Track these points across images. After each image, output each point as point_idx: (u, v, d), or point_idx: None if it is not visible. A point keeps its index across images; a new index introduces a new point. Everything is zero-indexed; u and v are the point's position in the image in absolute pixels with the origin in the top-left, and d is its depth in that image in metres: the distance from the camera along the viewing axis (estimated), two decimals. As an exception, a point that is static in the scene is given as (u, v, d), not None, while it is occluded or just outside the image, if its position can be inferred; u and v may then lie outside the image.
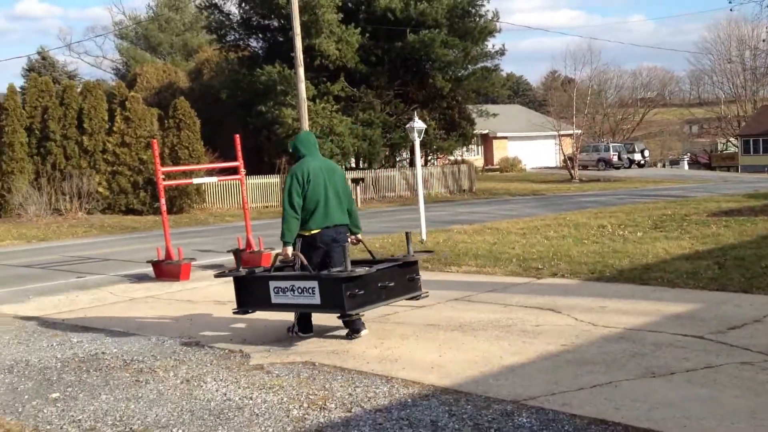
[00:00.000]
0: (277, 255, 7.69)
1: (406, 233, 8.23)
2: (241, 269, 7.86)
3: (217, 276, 8.35)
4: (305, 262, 7.35)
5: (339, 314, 7.17)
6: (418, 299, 7.86)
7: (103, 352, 7.79)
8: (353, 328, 7.64)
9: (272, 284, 7.38)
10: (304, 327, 7.87)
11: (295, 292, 7.22)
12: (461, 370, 6.35)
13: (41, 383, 6.80)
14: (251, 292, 7.69)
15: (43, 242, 20.57)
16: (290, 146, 7.96)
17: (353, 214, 7.98)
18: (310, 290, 7.12)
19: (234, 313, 7.97)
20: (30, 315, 10.13)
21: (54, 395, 6.39)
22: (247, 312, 7.89)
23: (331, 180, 7.73)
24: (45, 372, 7.17)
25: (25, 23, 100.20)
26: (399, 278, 7.53)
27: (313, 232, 7.59)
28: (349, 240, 7.96)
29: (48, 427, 5.60)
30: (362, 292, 7.02)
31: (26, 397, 6.40)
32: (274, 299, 7.39)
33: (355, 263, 7.41)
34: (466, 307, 8.93)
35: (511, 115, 57.66)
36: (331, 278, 6.96)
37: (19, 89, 29.76)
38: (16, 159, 27.09)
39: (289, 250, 7.48)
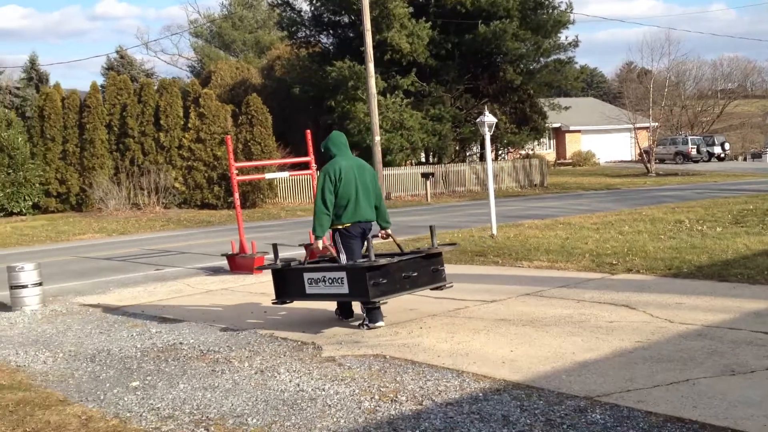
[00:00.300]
0: (310, 249, 7.85)
1: (431, 227, 8.44)
2: (278, 262, 8.27)
3: (257, 269, 8.77)
4: (335, 253, 7.92)
5: (363, 301, 7.59)
6: (442, 289, 8.14)
7: (180, 342, 7.99)
8: (371, 318, 7.88)
9: (306, 276, 7.87)
10: (346, 313, 8.39)
11: (327, 282, 7.71)
12: (533, 365, 6.30)
13: (122, 372, 7.02)
14: (288, 283, 8.18)
15: (123, 236, 21.19)
16: (322, 146, 8.41)
17: (381, 210, 8.31)
18: (340, 280, 7.59)
19: (273, 303, 8.44)
20: (111, 306, 10.47)
21: (134, 384, 6.59)
22: (285, 302, 8.37)
23: (361, 178, 8.09)
24: (125, 361, 7.40)
25: (105, 23, 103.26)
26: (423, 269, 7.89)
27: (346, 225, 8.04)
28: (379, 235, 8.31)
29: (128, 414, 5.79)
30: (385, 281, 7.43)
31: (108, 385, 6.62)
32: (308, 290, 7.90)
33: (381, 256, 7.84)
34: (538, 302, 8.85)
35: (585, 107, 56.71)
36: (357, 268, 7.41)
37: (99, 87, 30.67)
38: (97, 155, 27.97)
39: (320, 243, 7.96)
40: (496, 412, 5.29)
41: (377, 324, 7.87)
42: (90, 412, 5.87)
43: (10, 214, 26.74)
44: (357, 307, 8.31)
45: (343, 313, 8.40)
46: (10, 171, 26.34)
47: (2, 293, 11.62)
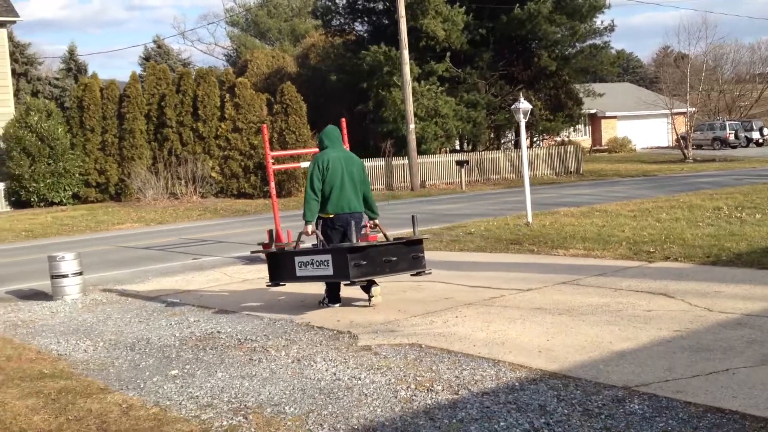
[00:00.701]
0: (300, 234, 8.64)
1: (412, 216, 8.93)
2: (273, 247, 8.96)
3: (252, 253, 9.64)
4: (322, 238, 8.47)
5: (345, 282, 8.19)
6: (421, 275, 8.63)
7: (218, 331, 8.09)
8: (330, 298, 8.78)
9: (297, 259, 8.41)
10: (333, 298, 8.85)
11: (314, 265, 8.24)
12: (570, 354, 6.27)
13: (161, 360, 7.13)
14: (280, 267, 8.75)
15: (161, 225, 21.45)
16: (317, 139, 8.90)
17: (369, 201, 8.91)
18: (325, 263, 8.11)
19: (267, 285, 9.00)
20: (150, 295, 10.61)
21: (173, 372, 6.69)
22: (278, 285, 8.94)
23: (348, 169, 8.63)
24: (164, 350, 7.51)
25: (143, 12, 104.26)
26: (403, 255, 8.41)
27: (330, 215, 8.55)
28: (367, 225, 8.89)
29: (168, 402, 5.88)
30: (366, 263, 7.95)
31: (147, 373, 6.73)
32: (299, 272, 8.43)
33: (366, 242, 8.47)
34: (574, 290, 8.80)
35: (621, 93, 55.98)
36: (340, 249, 7.99)
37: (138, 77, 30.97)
38: (136, 145, 28.28)
39: (309, 228, 8.49)
40: (533, 401, 5.28)
41: (334, 305, 8.72)
42: (130, 401, 5.97)
43: (51, 204, 27.18)
44: (352, 294, 8.33)
45: (332, 299, 8.84)
46: (51, 161, 26.73)
47: (44, 282, 11.84)
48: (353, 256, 7.87)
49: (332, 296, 8.85)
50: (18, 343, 8.24)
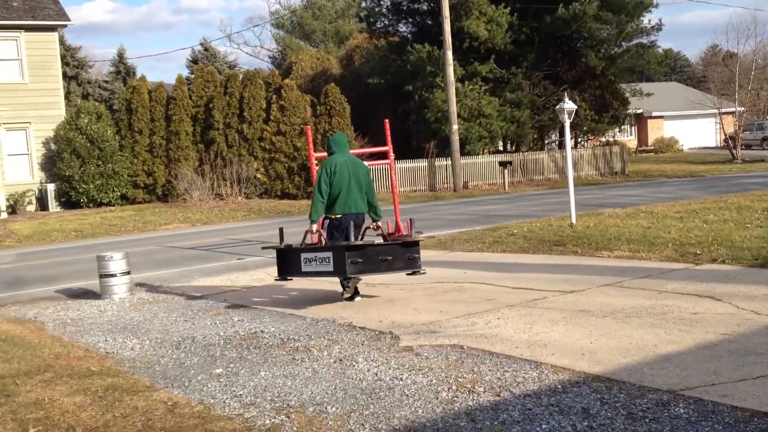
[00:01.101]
0: (307, 232, 9.31)
1: (410, 219, 9.66)
2: (282, 244, 9.52)
3: (263, 248, 10.59)
4: (325, 236, 9.16)
5: (343, 277, 8.73)
6: (416, 275, 9.24)
7: (261, 331, 8.17)
8: (354, 293, 9.22)
9: (303, 256, 9.04)
10: (280, 271, 9.53)
11: (318, 261, 8.86)
12: (613, 357, 6.21)
13: (205, 359, 7.23)
14: (288, 263, 9.39)
15: (206, 225, 21.72)
16: (327, 146, 9.61)
17: (373, 204, 9.41)
18: (327, 260, 8.74)
19: (276, 280, 9.76)
20: (195, 294, 10.77)
21: (217, 371, 6.77)
22: (286, 279, 9.65)
23: (354, 173, 9.16)
24: (209, 348, 7.61)
25: (190, 15, 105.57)
26: (399, 255, 9.00)
27: (337, 215, 9.09)
28: (371, 227, 9.44)
29: (212, 401, 5.96)
30: (362, 260, 8.53)
31: (192, 372, 6.82)
32: (304, 268, 9.05)
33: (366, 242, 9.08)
34: (618, 293, 8.70)
35: (668, 93, 55.08)
36: (339, 247, 8.59)
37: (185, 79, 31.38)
38: (182, 147, 28.68)
39: (314, 227, 9.16)
40: (576, 404, 5.24)
41: (355, 299, 9.24)
42: (175, 398, 6.06)
43: (100, 204, 27.69)
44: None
45: (280, 272, 9.54)
46: (100, 163, 27.23)
47: (92, 282, 12.08)
48: (351, 254, 8.44)
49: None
50: (67, 341, 8.43)
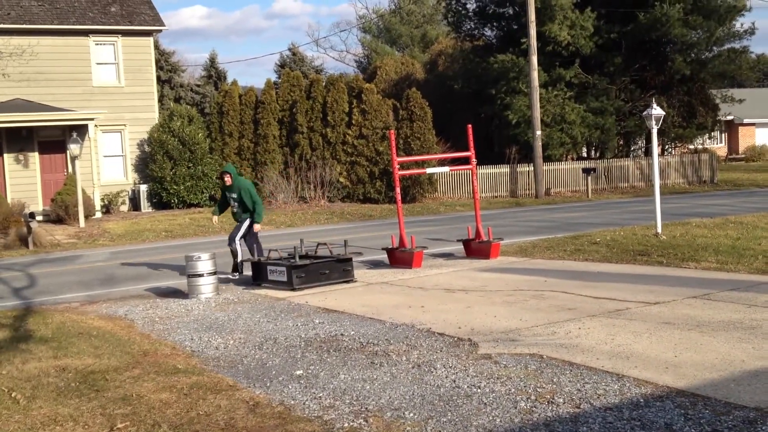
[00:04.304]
0: (271, 251, 12.46)
1: (344, 240, 12.51)
2: (257, 257, 12.55)
3: (244, 261, 12.87)
4: (282, 255, 12.20)
5: (291, 289, 11.22)
6: (349, 283, 11.68)
7: (341, 334, 8.28)
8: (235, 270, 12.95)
9: (269, 268, 11.85)
10: (235, 268, 13.01)
11: (277, 273, 11.62)
12: (698, 372, 6.07)
13: (287, 360, 7.37)
14: (259, 272, 12.09)
15: (290, 228, 22.09)
16: (232, 171, 13.12)
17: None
18: (282, 272, 11.50)
19: (252, 284, 12.05)
20: (279, 296, 10.98)
21: (298, 372, 6.90)
22: (260, 285, 11.89)
23: None
24: (290, 350, 7.76)
25: (281, 21, 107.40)
26: (335, 268, 11.77)
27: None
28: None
29: (292, 402, 6.08)
30: (304, 275, 11.39)
31: (273, 372, 6.97)
32: (270, 276, 11.79)
33: (310, 257, 12.06)
34: (705, 305, 8.48)
35: (760, 99, 53.11)
36: (288, 265, 11.38)
37: (273, 84, 31.94)
38: (269, 150, 29.23)
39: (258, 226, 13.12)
40: (659, 419, 5.15)
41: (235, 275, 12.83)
42: (257, 398, 6.21)
43: (189, 205, 28.42)
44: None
45: (234, 269, 13.05)
46: (190, 165, 27.97)
47: (180, 281, 12.46)
48: (296, 270, 11.32)
49: (235, 268, 13.04)
50: (155, 338, 8.72)
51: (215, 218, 14.00)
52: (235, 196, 12.95)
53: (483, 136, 31.18)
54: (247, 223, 13.01)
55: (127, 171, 28.64)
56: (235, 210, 13.13)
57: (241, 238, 13.00)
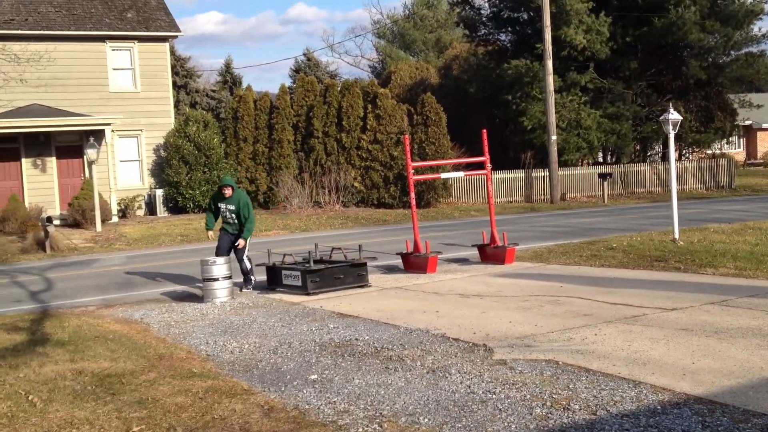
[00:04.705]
0: (284, 255, 12.36)
1: (359, 245, 12.49)
2: (271, 262, 12.18)
3: (256, 266, 12.54)
4: (296, 259, 12.20)
5: (305, 293, 11.26)
6: (363, 288, 11.68)
7: (356, 339, 8.27)
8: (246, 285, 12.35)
9: (283, 272, 11.86)
10: (269, 282, 12.27)
11: (291, 278, 11.66)
12: (716, 379, 6.01)
13: (301, 365, 7.36)
14: (274, 276, 12.12)
15: (304, 233, 22.12)
16: (231, 183, 12.59)
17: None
18: (297, 277, 11.51)
19: (267, 288, 12.06)
20: (293, 301, 10.98)
21: (312, 377, 6.90)
22: (274, 290, 11.94)
23: None
24: (305, 354, 7.75)
25: (296, 26, 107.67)
26: (350, 273, 11.73)
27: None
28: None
29: (307, 406, 6.07)
30: (319, 280, 11.40)
31: (288, 377, 6.97)
32: (284, 281, 11.83)
33: (325, 261, 12.06)
34: (723, 312, 8.40)
35: (780, 104, 52.79)
36: (303, 270, 11.39)
37: (287, 89, 32.01)
38: (284, 155, 29.29)
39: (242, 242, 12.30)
40: (676, 426, 5.10)
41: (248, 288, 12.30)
42: (272, 402, 6.20)
43: (204, 210, 28.51)
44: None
45: (247, 282, 12.44)
46: (206, 170, 28.07)
47: (196, 286, 12.48)
48: (311, 275, 11.33)
49: (248, 280, 12.41)
50: (170, 342, 8.74)
51: (212, 233, 12.86)
52: (233, 208, 12.25)
53: (498, 141, 31.13)
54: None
55: (143, 176, 28.77)
56: (231, 222, 12.35)
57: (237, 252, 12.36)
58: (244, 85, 40.57)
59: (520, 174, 30.61)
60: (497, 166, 26.98)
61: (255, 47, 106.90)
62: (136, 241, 21.05)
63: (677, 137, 28.37)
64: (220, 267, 11.35)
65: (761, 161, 49.94)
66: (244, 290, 12.21)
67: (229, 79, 48.08)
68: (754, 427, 4.98)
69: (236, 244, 12.24)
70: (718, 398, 5.57)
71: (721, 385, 5.85)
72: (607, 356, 6.87)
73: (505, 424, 5.38)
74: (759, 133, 51.93)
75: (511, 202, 29.88)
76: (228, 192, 12.36)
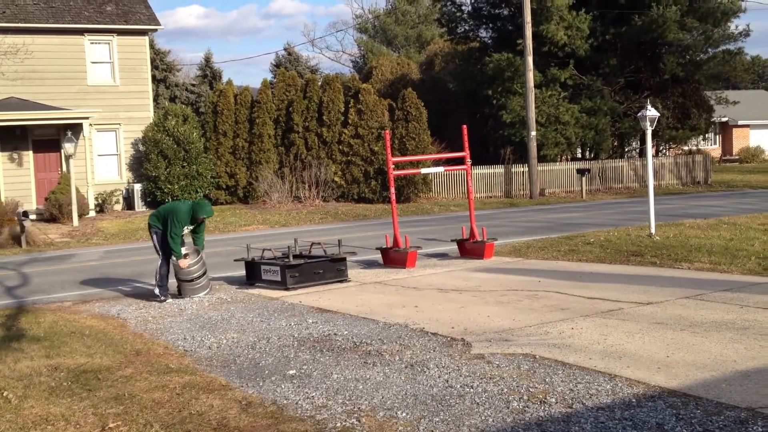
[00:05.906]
0: (265, 250, 12.32)
1: (338, 240, 12.41)
2: (250, 257, 12.08)
3: (235, 261, 12.83)
4: (275, 254, 12.13)
5: (284, 288, 11.13)
6: (343, 282, 11.65)
7: (335, 334, 8.27)
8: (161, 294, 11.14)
9: (262, 267, 11.77)
10: (248, 277, 12.07)
11: (270, 273, 11.54)
12: (690, 372, 6.08)
13: (279, 360, 7.36)
14: (253, 271, 12.00)
15: (284, 227, 22.08)
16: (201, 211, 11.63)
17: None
18: (276, 272, 11.41)
19: (246, 283, 11.94)
20: (272, 296, 10.96)
21: (291, 372, 6.90)
22: (253, 285, 11.81)
23: None
24: (283, 349, 7.75)
25: (277, 20, 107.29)
26: (329, 268, 11.73)
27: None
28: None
29: (285, 401, 6.07)
30: (298, 275, 11.34)
31: (266, 372, 6.96)
32: (263, 276, 11.70)
33: (304, 256, 12.05)
34: (698, 306, 8.49)
35: (754, 101, 53.30)
36: (282, 265, 11.34)
37: (269, 83, 31.90)
38: (264, 149, 29.19)
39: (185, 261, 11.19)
40: (650, 419, 5.16)
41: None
42: (250, 398, 6.20)
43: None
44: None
45: (162, 291, 11.18)
46: (185, 164, 27.91)
47: (173, 280, 12.42)
48: (290, 270, 11.30)
49: (163, 288, 11.21)
50: (147, 338, 8.71)
51: (185, 261, 11.19)
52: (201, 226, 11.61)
53: (478, 137, 31.21)
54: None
55: (121, 170, 28.58)
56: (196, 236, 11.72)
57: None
58: (224, 79, 40.44)
59: (499, 169, 30.71)
60: (477, 161, 27.05)
61: (236, 41, 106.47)
62: (114, 236, 20.92)
63: (654, 133, 28.59)
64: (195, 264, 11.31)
65: (737, 157, 50.46)
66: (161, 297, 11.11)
67: (209, 73, 47.84)
68: (727, 419, 5.05)
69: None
70: (692, 391, 5.63)
71: (695, 378, 5.92)
72: (583, 350, 6.93)
73: (483, 417, 5.41)
74: (735, 130, 52.48)
75: (490, 197, 29.99)
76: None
